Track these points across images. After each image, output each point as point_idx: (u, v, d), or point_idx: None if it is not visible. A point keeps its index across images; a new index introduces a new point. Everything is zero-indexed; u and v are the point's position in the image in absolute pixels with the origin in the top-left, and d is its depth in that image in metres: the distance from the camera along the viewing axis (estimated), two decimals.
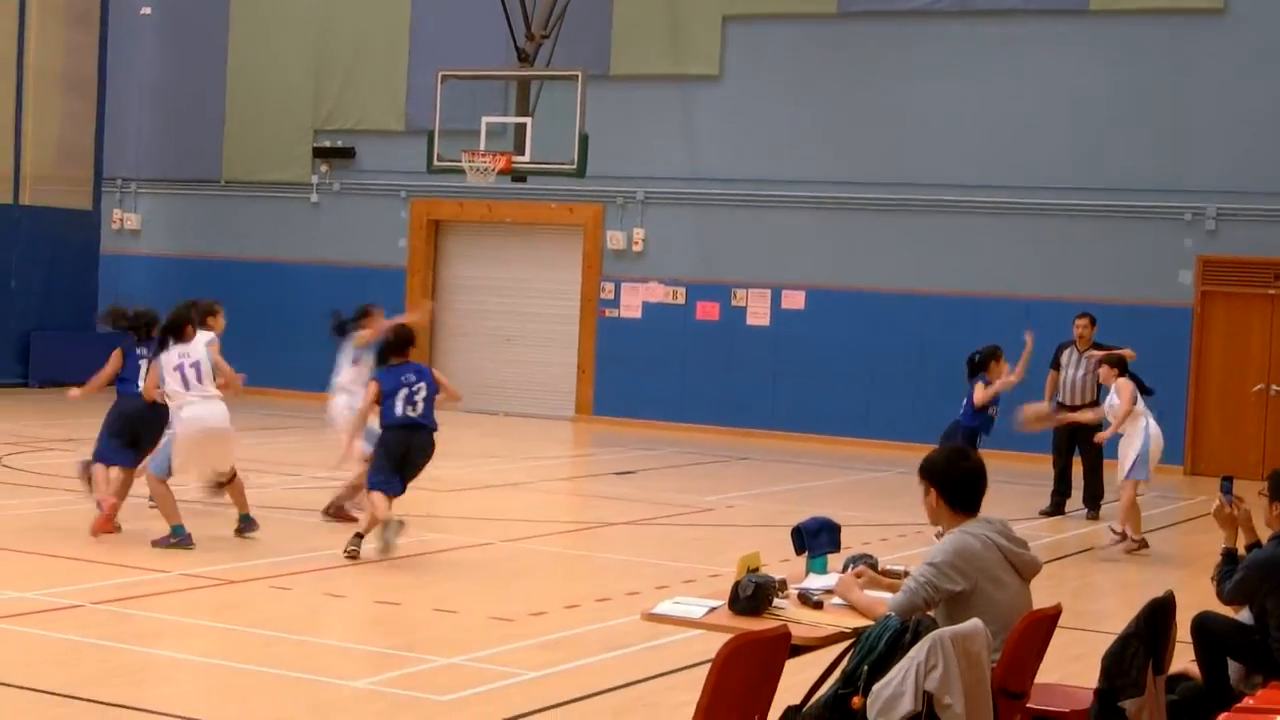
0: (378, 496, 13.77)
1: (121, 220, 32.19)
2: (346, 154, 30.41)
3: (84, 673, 9.78)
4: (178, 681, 9.66)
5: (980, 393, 16.21)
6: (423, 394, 14.09)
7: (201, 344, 14.27)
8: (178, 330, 14.15)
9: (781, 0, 27.17)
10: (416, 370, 14.29)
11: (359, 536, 13.84)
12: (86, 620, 11.15)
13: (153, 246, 31.99)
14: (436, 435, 14.15)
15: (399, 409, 13.91)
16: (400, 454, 13.94)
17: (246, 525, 14.69)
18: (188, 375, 13.98)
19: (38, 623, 10.92)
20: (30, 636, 10.58)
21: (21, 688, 9.27)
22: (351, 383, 15.98)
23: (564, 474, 22.52)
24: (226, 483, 14.80)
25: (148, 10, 32.13)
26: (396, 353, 14.46)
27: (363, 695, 9.51)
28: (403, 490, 14.03)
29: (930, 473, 7.53)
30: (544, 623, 11.76)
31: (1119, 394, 16.27)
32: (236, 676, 9.82)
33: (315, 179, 30.68)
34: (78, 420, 23.18)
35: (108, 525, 14.19)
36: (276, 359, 28.91)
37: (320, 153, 30.55)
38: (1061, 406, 18.62)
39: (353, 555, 13.70)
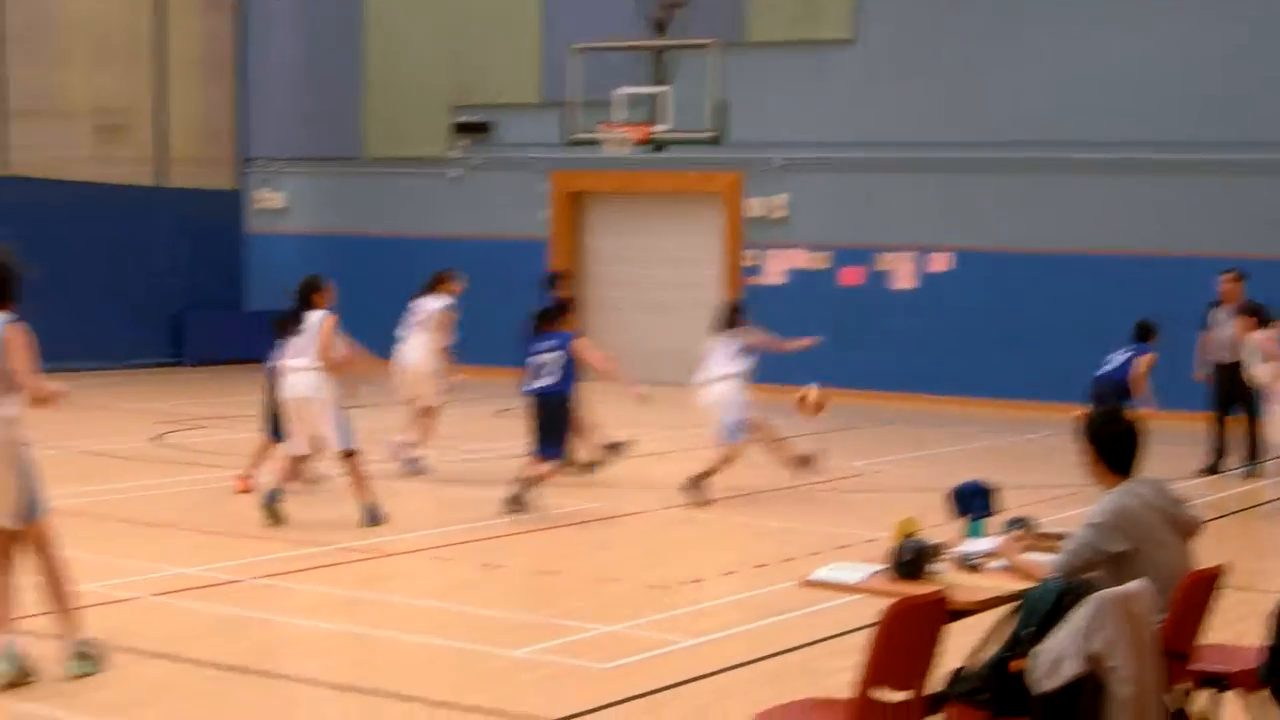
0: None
1: (266, 199, 32.56)
2: (484, 128, 30.56)
3: (246, 646, 9.94)
4: (339, 653, 9.78)
5: (1145, 363, 16.33)
6: (555, 362, 14.76)
7: (314, 318, 14.40)
8: (305, 302, 14.38)
9: None
10: (558, 339, 14.74)
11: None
12: (247, 594, 11.33)
13: (297, 224, 32.32)
14: (569, 402, 14.89)
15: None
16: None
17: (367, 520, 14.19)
18: (292, 347, 14.25)
19: (200, 597, 11.11)
20: (193, 611, 10.76)
21: (188, 661, 9.44)
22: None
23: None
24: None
25: None
26: (546, 323, 14.94)
27: (522, 664, 9.59)
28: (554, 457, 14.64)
29: (1087, 434, 7.47)
30: (701, 590, 11.80)
31: (1260, 348, 16.08)
32: (397, 647, 9.94)
33: (454, 154, 30.86)
34: (231, 399, 23.54)
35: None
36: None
37: (459, 127, 30.72)
38: (1219, 367, 18.38)
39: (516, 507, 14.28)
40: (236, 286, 31.72)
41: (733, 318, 16.66)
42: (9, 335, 9.09)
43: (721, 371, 16.25)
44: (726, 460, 15.86)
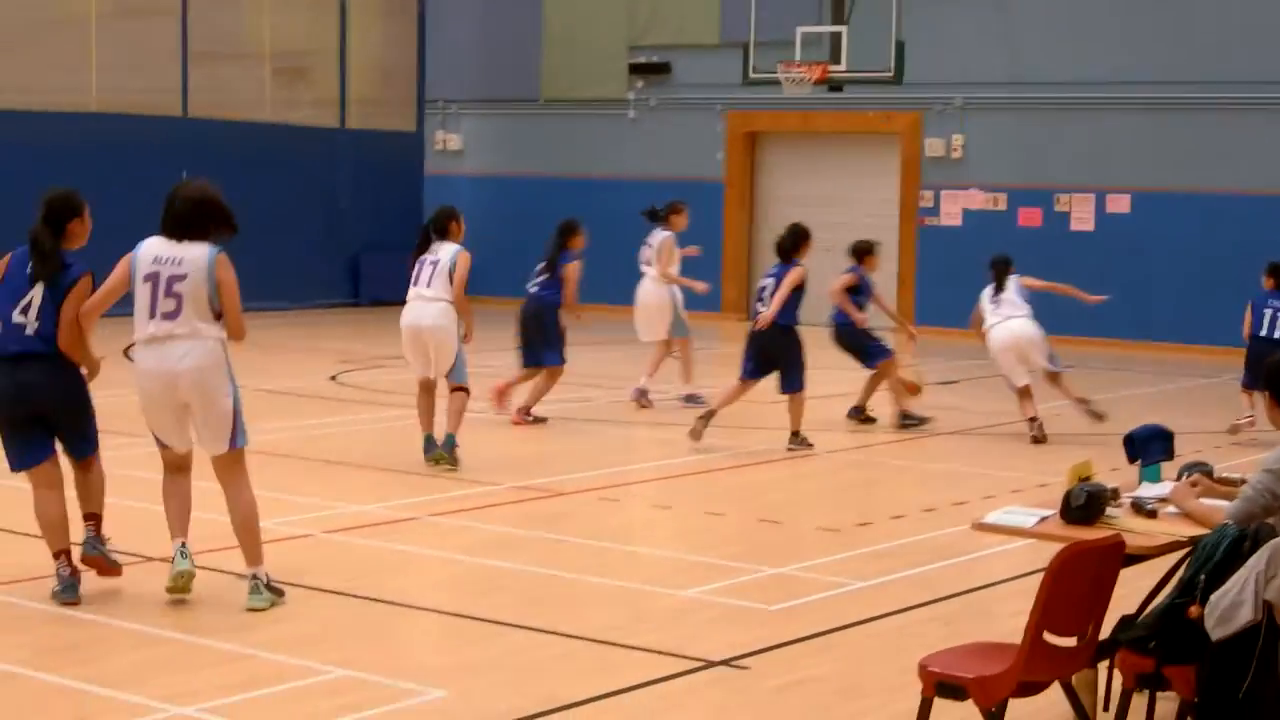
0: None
1: (444, 141, 32.78)
2: (662, 69, 30.52)
3: (418, 583, 10.05)
4: (511, 590, 9.85)
5: None
6: (769, 291, 15.47)
7: (448, 249, 14.30)
8: (441, 229, 14.39)
9: None
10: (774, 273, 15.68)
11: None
12: (421, 532, 11.45)
13: (475, 166, 32.53)
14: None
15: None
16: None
17: (445, 447, 13.95)
18: (422, 274, 14.16)
19: (375, 535, 11.25)
20: (368, 548, 10.89)
21: (360, 597, 9.56)
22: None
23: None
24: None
25: None
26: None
27: (692, 604, 9.60)
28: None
29: (1268, 379, 7.29)
30: (871, 533, 11.74)
31: None
32: (567, 586, 9.99)
33: (632, 95, 30.85)
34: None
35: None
36: (596, 273, 29.21)
37: (636, 69, 30.71)
38: None
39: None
40: (415, 228, 31.89)
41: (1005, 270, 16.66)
42: (218, 268, 9.48)
43: (1023, 311, 16.45)
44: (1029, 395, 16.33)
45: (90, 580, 9.48)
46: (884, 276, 28.63)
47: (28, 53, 26.53)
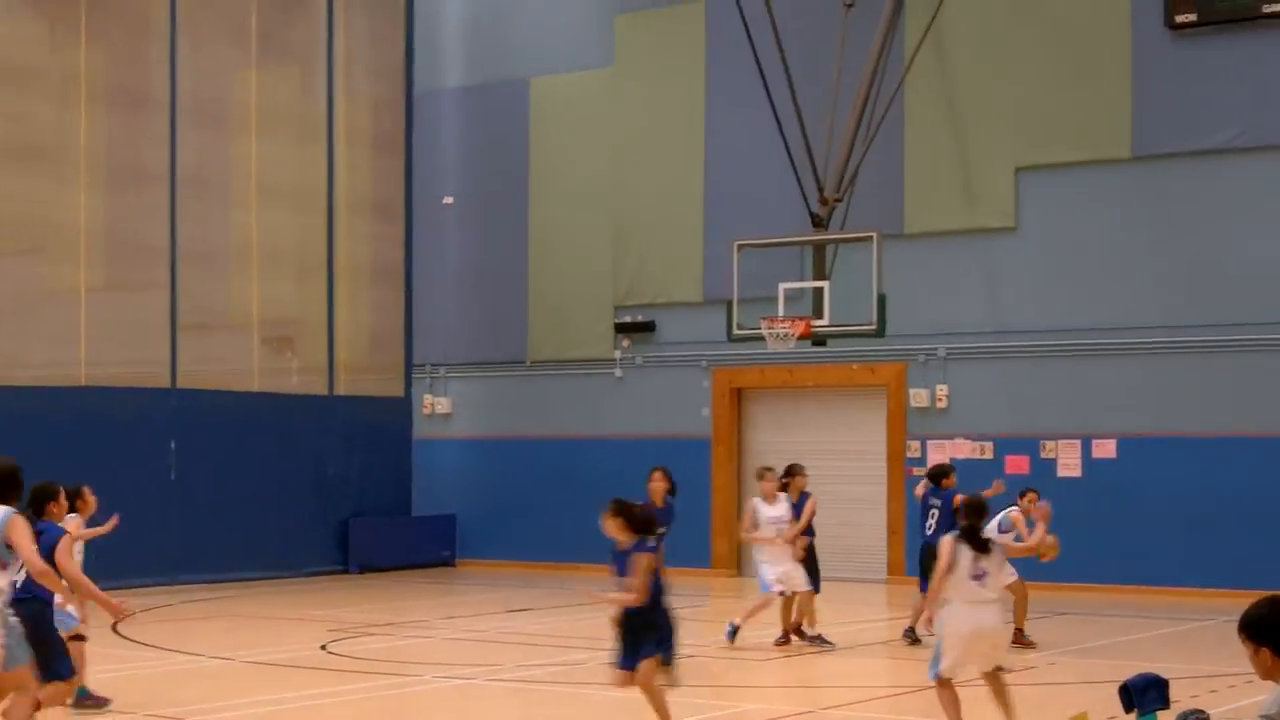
0: None
1: (433, 405, 32.95)
2: (647, 328, 30.81)
3: None
4: None
5: None
6: None
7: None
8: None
9: (1074, 148, 26.95)
10: None
11: None
12: None
13: (463, 429, 32.66)
14: None
15: None
16: None
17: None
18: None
19: None
20: None
21: None
22: None
23: (880, 637, 22.23)
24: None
25: (450, 200, 33.08)
26: None
27: None
28: None
29: (1255, 629, 7.10)
30: None
31: None
32: None
33: (618, 354, 31.10)
34: (397, 604, 23.65)
35: None
36: (586, 534, 29.18)
37: (622, 328, 31.00)
38: None
39: None
40: (405, 492, 32.00)
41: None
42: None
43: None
44: None
45: None
46: (873, 527, 28.76)
47: (17, 326, 26.73)
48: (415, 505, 32.09)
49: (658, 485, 17.90)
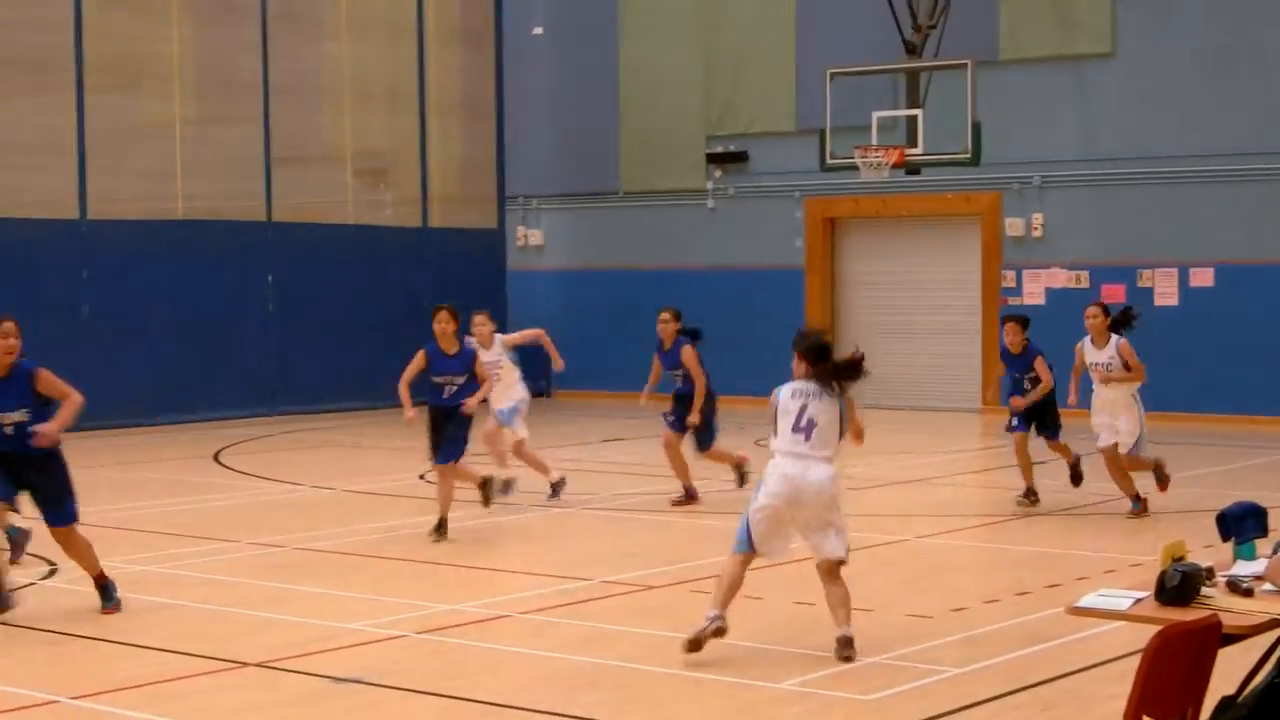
0: None
1: (525, 237, 33.00)
2: (739, 158, 30.65)
3: (512, 682, 10.02)
4: (604, 688, 9.83)
5: None
6: None
7: None
8: None
9: None
10: None
11: None
12: (515, 630, 11.44)
13: (556, 261, 32.72)
14: None
15: None
16: None
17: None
18: None
19: (469, 634, 11.24)
20: (460, 648, 10.89)
21: (454, 697, 9.55)
22: None
23: (974, 467, 22.28)
24: None
25: (539, 30, 32.88)
26: None
27: (788, 696, 9.55)
28: None
29: None
30: (964, 619, 11.65)
31: None
32: (663, 682, 9.96)
33: (710, 185, 30.98)
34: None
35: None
36: None
37: (713, 158, 30.85)
38: None
39: None
40: (499, 324, 32.08)
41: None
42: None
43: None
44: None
45: (187, 691, 9.56)
46: (967, 358, 28.68)
47: (113, 161, 26.91)
48: None
49: (667, 326, 17.70)
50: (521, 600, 12.39)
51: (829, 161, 26.25)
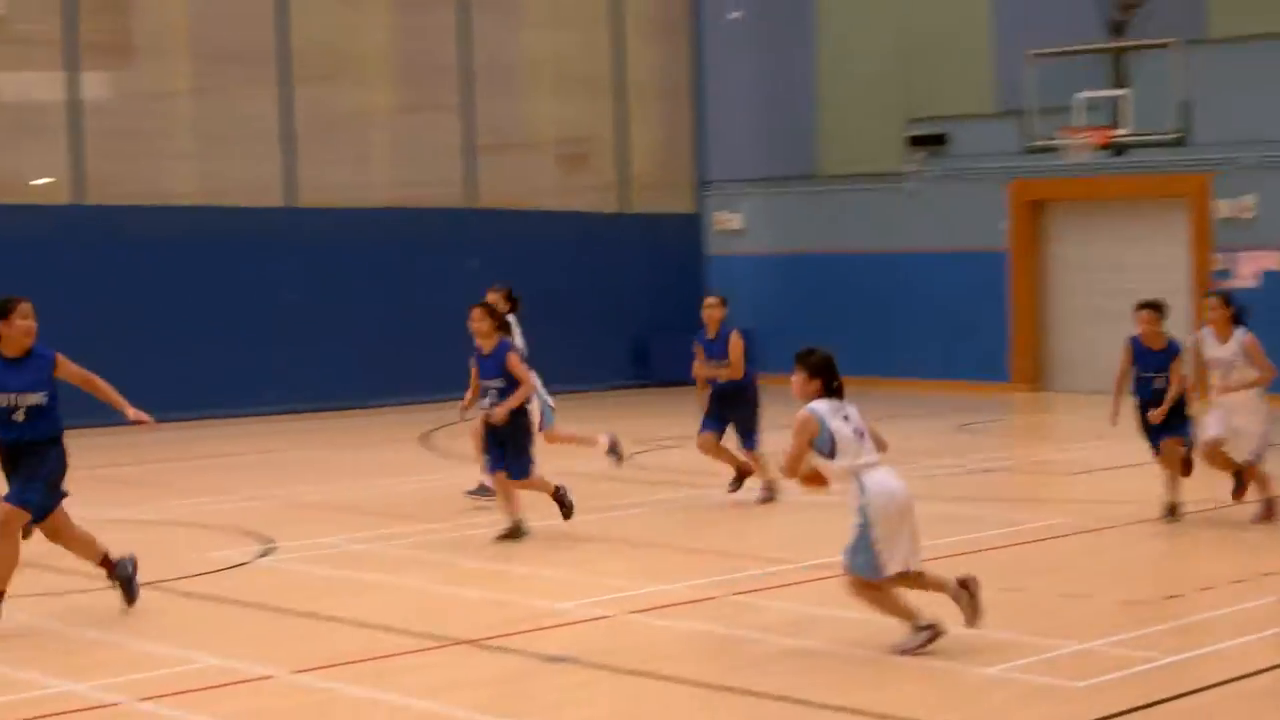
0: None
1: (724, 221, 33.00)
2: (939, 140, 30.37)
3: (728, 662, 10.03)
4: (817, 671, 9.79)
5: None
6: None
7: None
8: None
9: None
10: None
11: None
12: (723, 611, 11.44)
13: (756, 245, 32.67)
14: None
15: None
16: None
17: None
18: None
19: (677, 615, 11.28)
20: (671, 628, 10.93)
21: (665, 678, 9.59)
22: None
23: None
24: None
25: (737, 15, 32.85)
26: None
27: (994, 682, 9.45)
28: None
29: None
30: (1179, 606, 11.46)
31: None
32: (871, 664, 9.91)
33: (910, 167, 30.75)
34: (693, 417, 23.88)
35: None
36: (881, 348, 29.21)
37: (914, 141, 30.60)
38: None
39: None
40: (697, 308, 32.15)
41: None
42: None
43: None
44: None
45: (398, 667, 9.71)
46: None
47: (317, 150, 27.35)
48: None
49: (713, 312, 16.95)
50: (728, 582, 12.39)
51: (1032, 143, 25.93)
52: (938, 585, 10.34)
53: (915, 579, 10.28)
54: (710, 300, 16.95)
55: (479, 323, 14.64)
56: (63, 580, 12.78)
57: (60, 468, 11.30)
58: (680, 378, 31.64)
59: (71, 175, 25.53)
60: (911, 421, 24.12)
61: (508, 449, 14.38)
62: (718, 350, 16.60)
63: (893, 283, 30.28)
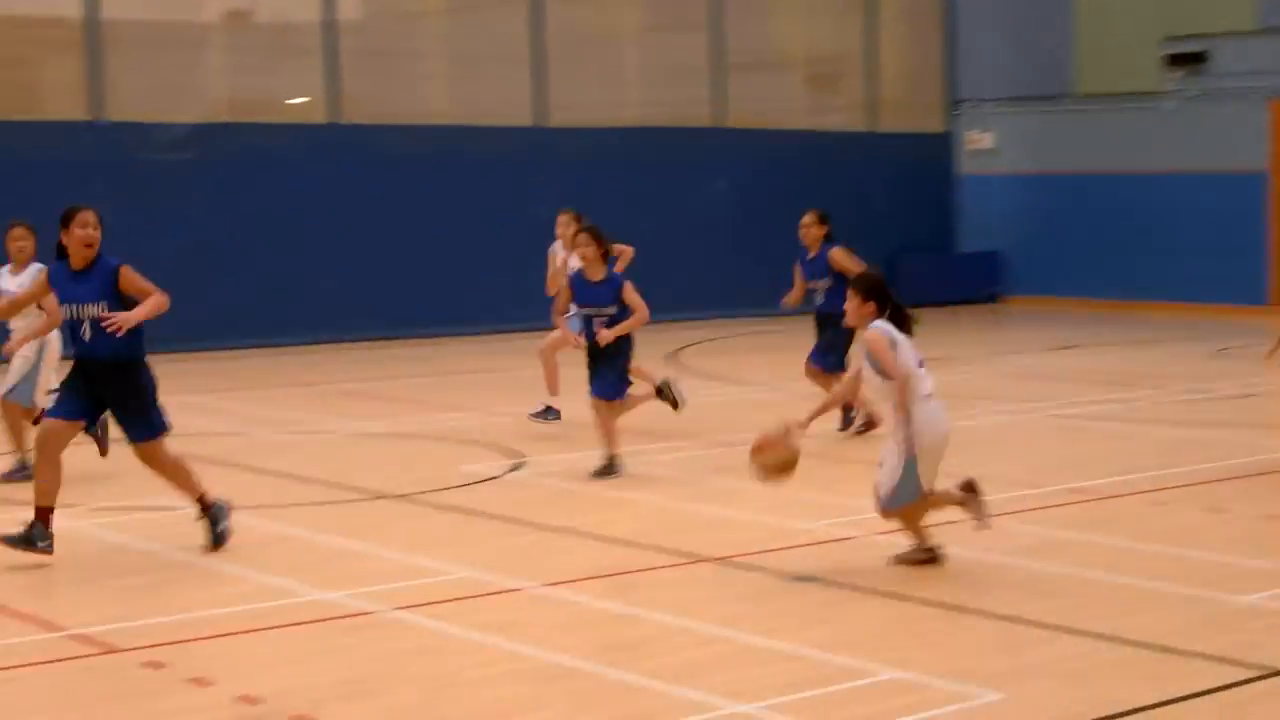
0: None
1: (975, 141, 32.57)
2: (1199, 59, 29.60)
3: (971, 584, 9.93)
4: (1062, 594, 9.68)
5: None
6: None
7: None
8: None
9: None
10: None
11: None
12: (968, 535, 11.33)
13: (1008, 165, 32.20)
14: None
15: None
16: None
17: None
18: None
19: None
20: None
21: (909, 599, 9.54)
22: None
23: None
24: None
25: None
26: None
27: (1252, 611, 9.28)
28: None
29: None
30: None
31: None
32: (1118, 591, 9.76)
33: (1168, 86, 30.03)
34: (945, 339, 23.71)
35: None
36: (1135, 271, 28.69)
37: (1171, 59, 29.87)
38: None
39: None
40: (947, 229, 31.88)
41: None
42: None
43: None
44: None
45: (646, 583, 9.82)
46: None
47: (567, 70, 27.51)
48: (960, 242, 31.96)
49: (811, 230, 16.21)
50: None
51: None
52: (948, 498, 10.40)
53: (930, 499, 10.34)
54: (807, 218, 16.05)
55: (585, 248, 14.01)
56: (310, 490, 13.11)
57: (151, 383, 10.82)
58: (932, 298, 31.44)
59: (326, 95, 25.99)
60: (1166, 346, 23.72)
61: (605, 370, 14.02)
62: (818, 270, 16.03)
63: (1148, 204, 29.66)
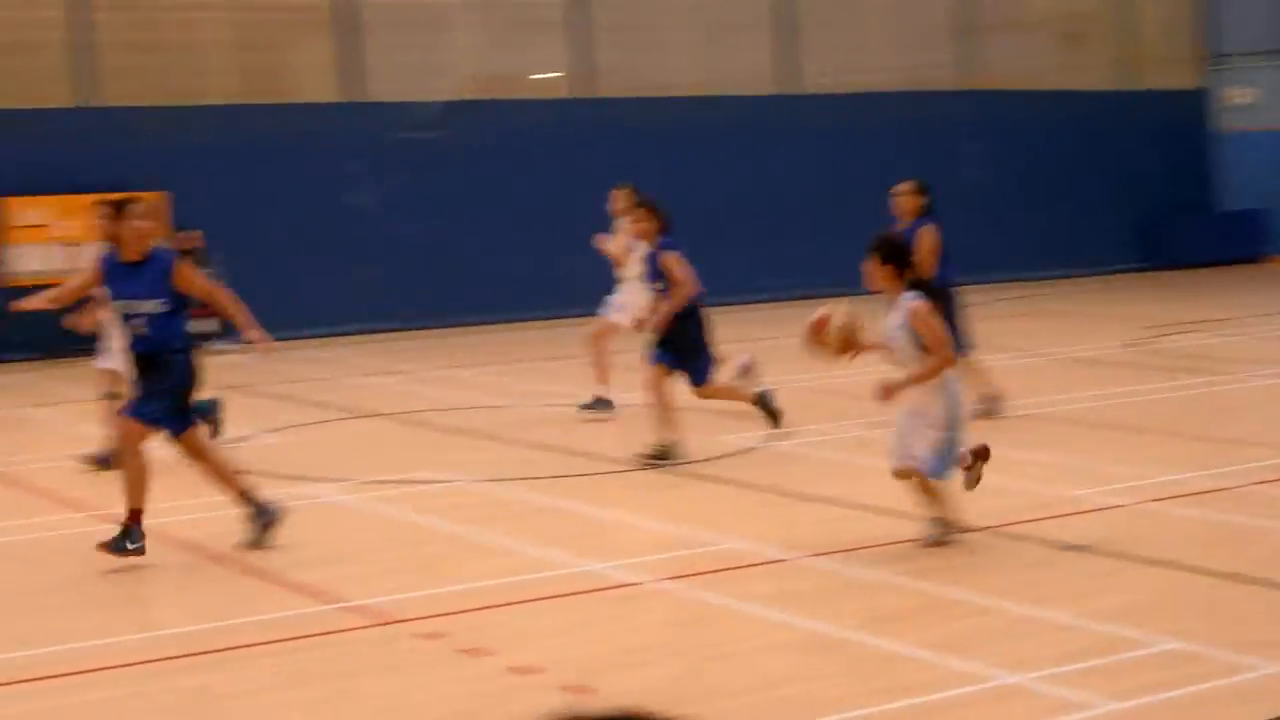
0: None
1: (1236, 96, 31.75)
2: None
3: (1254, 554, 9.70)
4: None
5: None
6: None
7: None
8: None
9: None
10: None
11: None
12: (1242, 502, 11.07)
13: (1270, 120, 31.34)
14: None
15: None
16: None
17: None
18: None
19: (1194, 504, 10.97)
20: (1189, 518, 10.63)
21: (1187, 569, 9.34)
22: None
23: None
24: None
25: None
26: None
27: None
28: None
29: None
30: None
31: None
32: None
33: None
34: (1211, 302, 23.17)
35: None
36: None
37: None
38: None
39: None
40: (1206, 188, 31.15)
41: None
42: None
43: None
44: None
45: (912, 553, 9.75)
46: None
47: (819, 35, 27.41)
48: (1221, 201, 31.21)
49: (904, 200, 14.96)
50: (1242, 472, 11.94)
51: None
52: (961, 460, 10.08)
53: None
54: (900, 187, 14.65)
55: (641, 223, 13.45)
56: (572, 462, 13.21)
57: (185, 381, 10.31)
58: (1191, 259, 30.72)
59: (571, 70, 26.16)
60: None
61: (680, 351, 13.20)
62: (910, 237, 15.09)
63: None
